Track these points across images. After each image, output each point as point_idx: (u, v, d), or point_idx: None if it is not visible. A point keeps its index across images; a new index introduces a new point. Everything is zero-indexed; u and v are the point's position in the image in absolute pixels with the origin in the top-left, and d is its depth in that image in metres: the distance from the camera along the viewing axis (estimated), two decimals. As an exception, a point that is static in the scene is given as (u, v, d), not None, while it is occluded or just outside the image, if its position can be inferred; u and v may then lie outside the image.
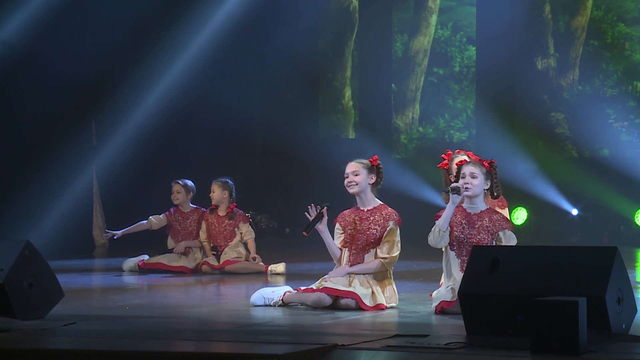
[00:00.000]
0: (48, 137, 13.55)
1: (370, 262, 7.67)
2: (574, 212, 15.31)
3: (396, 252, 7.69)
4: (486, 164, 7.40)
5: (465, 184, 7.35)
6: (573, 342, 5.23)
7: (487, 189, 7.41)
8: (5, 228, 12.79)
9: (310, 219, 7.68)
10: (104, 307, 8.04)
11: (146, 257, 11.18)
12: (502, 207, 8.26)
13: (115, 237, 11.10)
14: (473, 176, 7.35)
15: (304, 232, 7.69)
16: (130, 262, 11.12)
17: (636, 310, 6.07)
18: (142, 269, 10.98)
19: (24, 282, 6.87)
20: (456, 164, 7.72)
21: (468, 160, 7.59)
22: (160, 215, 11.38)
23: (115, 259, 12.15)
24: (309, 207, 7.71)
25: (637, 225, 14.81)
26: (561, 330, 5.25)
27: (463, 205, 7.45)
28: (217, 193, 11.06)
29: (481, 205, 7.43)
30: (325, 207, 7.70)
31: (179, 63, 15.19)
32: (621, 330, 5.80)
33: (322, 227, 7.70)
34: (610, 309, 5.67)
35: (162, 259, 11.05)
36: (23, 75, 13.35)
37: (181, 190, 11.24)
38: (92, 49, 13.99)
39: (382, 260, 7.65)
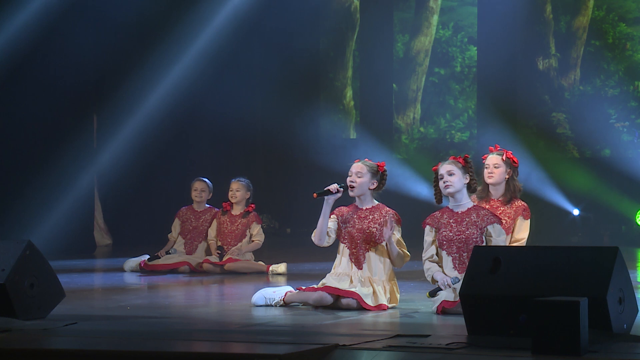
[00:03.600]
0: (50, 138, 13.55)
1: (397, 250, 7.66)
2: (575, 212, 15.31)
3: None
4: (461, 160, 7.50)
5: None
6: (574, 342, 5.24)
7: (466, 183, 7.48)
8: (6, 228, 12.79)
9: (329, 188, 7.67)
10: (106, 307, 8.04)
11: (148, 257, 11.15)
12: (526, 218, 8.30)
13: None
14: (450, 173, 7.45)
15: (314, 194, 7.69)
16: (132, 262, 11.10)
17: (637, 310, 6.07)
18: (144, 269, 10.97)
19: (25, 282, 6.87)
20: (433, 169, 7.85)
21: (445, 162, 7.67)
22: (174, 223, 11.32)
23: (117, 259, 12.16)
24: (336, 183, 7.73)
25: (638, 225, 14.81)
26: (562, 331, 5.25)
27: (449, 205, 7.53)
28: (242, 193, 11.00)
29: (466, 202, 7.52)
30: (344, 188, 7.71)
31: (181, 63, 15.19)
32: (622, 330, 5.80)
33: (331, 202, 7.72)
34: (612, 309, 5.67)
35: (163, 260, 11.02)
36: (25, 76, 13.34)
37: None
38: (94, 50, 14.00)
39: (405, 253, 7.68)
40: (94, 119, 14.63)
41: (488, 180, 8.30)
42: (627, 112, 15.20)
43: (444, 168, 7.48)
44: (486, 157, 8.37)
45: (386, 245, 7.68)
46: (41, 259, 7.04)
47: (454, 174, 7.44)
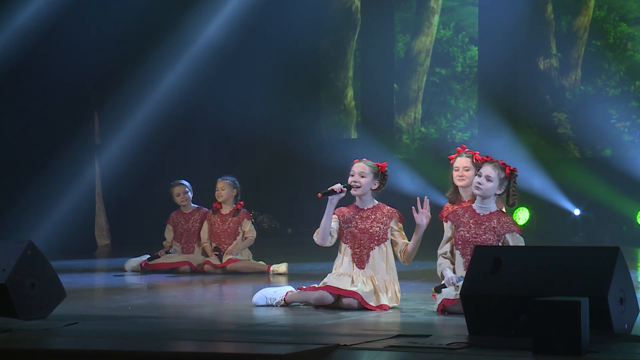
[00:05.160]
0: (51, 137, 13.56)
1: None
2: (576, 212, 15.31)
3: None
4: (508, 170, 7.35)
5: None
6: (575, 342, 5.23)
7: (499, 194, 7.38)
8: (7, 228, 12.79)
9: (333, 188, 7.66)
10: (106, 307, 8.04)
11: (148, 256, 11.15)
12: None
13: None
14: (488, 179, 7.31)
15: (319, 194, 7.69)
16: (133, 262, 11.10)
17: (638, 310, 6.06)
18: (145, 269, 10.97)
19: (26, 282, 6.87)
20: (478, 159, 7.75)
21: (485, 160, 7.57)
22: (166, 229, 11.34)
23: (118, 259, 12.16)
24: (339, 183, 7.70)
25: (639, 225, 14.80)
26: (563, 331, 5.25)
27: (473, 205, 7.44)
28: (227, 191, 11.01)
29: (492, 207, 7.39)
30: (348, 187, 7.70)
31: (182, 62, 15.20)
32: (623, 330, 5.80)
33: (335, 201, 7.69)
34: (613, 309, 5.67)
35: (164, 260, 11.03)
36: (25, 75, 13.34)
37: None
38: (95, 49, 14.00)
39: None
40: (95, 118, 14.64)
41: (458, 183, 8.09)
42: (628, 112, 15.20)
43: (485, 170, 7.30)
44: (454, 159, 8.23)
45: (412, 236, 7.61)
46: (42, 259, 7.03)
47: (491, 181, 7.29)
